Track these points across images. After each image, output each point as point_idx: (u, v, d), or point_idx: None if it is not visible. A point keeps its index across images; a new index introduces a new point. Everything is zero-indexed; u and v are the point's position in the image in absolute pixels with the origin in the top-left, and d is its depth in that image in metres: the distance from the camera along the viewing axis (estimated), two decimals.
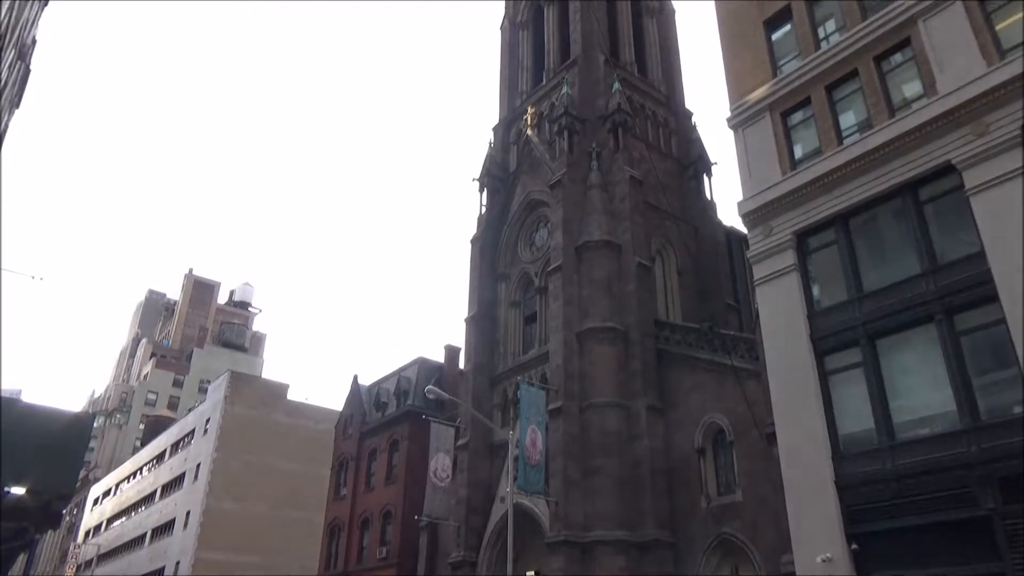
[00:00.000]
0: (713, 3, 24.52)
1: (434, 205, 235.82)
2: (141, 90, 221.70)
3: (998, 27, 16.36)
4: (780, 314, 18.66)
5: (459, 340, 36.34)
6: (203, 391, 79.06)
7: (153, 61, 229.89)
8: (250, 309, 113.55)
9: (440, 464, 31.35)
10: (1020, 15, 16.09)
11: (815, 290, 18.53)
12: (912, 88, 17.75)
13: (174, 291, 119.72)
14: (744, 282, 31.08)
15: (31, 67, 24.80)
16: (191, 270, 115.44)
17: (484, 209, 36.06)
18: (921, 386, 16.01)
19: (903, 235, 17.03)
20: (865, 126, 18.22)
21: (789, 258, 18.71)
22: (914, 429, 15.57)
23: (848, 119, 19.09)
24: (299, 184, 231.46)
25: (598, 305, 28.21)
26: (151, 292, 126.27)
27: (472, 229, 35.93)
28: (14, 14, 15.51)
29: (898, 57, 18.31)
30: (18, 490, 8.26)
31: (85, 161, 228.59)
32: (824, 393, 17.11)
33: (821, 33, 20.51)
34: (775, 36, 21.72)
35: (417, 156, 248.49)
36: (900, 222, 17.16)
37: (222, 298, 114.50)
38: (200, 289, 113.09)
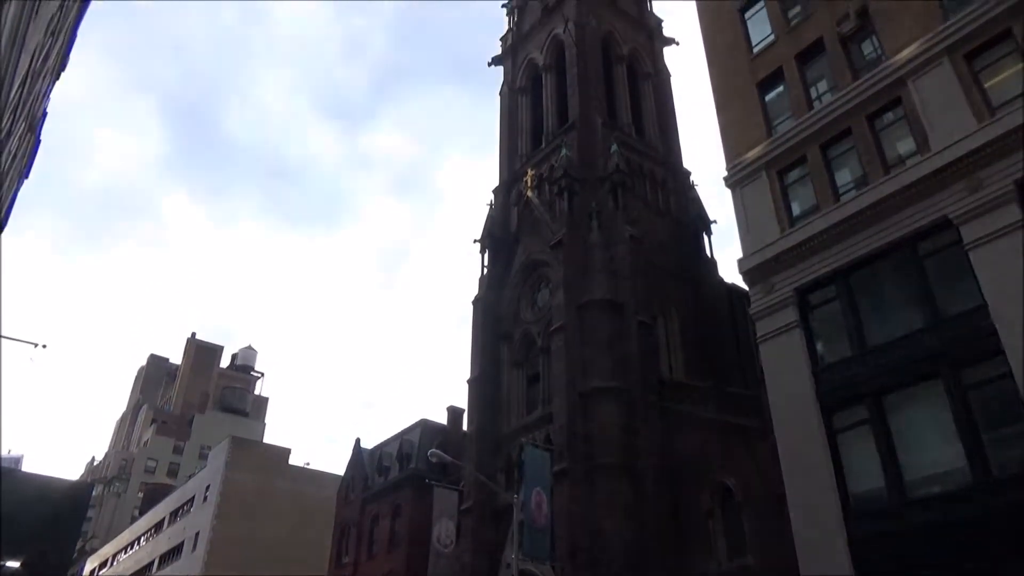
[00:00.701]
0: (707, 66, 25.15)
1: (436, 266, 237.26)
2: (143, 151, 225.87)
3: (987, 85, 16.74)
4: (785, 371, 18.57)
5: (462, 401, 36.01)
6: (203, 457, 78.09)
7: (155, 122, 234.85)
8: (252, 373, 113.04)
9: (444, 529, 30.70)
10: (1008, 72, 16.47)
11: (819, 346, 18.48)
12: (906, 145, 18.04)
13: (177, 356, 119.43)
14: (748, 339, 30.97)
15: (41, 138, 25.33)
16: (194, 334, 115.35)
17: (486, 270, 36.24)
18: (931, 442, 15.79)
19: (905, 289, 17.07)
20: (861, 183, 18.45)
21: (791, 315, 18.71)
22: (926, 487, 15.30)
23: (844, 176, 19.35)
24: (301, 246, 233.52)
25: (601, 364, 28.06)
26: (153, 357, 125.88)
27: (474, 290, 36.07)
28: (26, 88, 15.94)
29: (890, 115, 18.68)
30: (12, 563, 8.08)
31: (88, 226, 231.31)
32: (833, 451, 16.87)
33: (813, 93, 20.97)
34: (768, 97, 22.20)
35: (420, 217, 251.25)
36: (901, 276, 17.22)
37: (225, 362, 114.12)
38: (203, 353, 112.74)
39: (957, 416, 14.91)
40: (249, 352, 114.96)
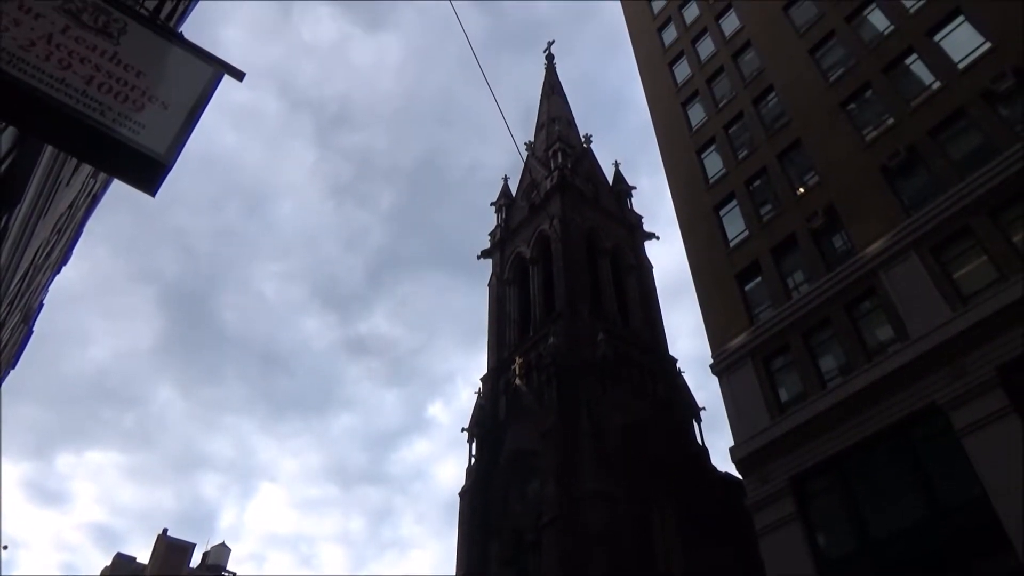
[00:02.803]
0: (687, 259, 26.30)
1: (424, 456, 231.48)
2: (137, 342, 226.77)
3: (955, 276, 17.42)
4: (788, 567, 17.64)
5: None
6: None
7: (152, 312, 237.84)
8: (223, 574, 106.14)
9: None
10: (973, 265, 17.22)
11: (820, 539, 17.72)
12: (885, 333, 18.46)
13: (146, 554, 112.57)
14: (746, 530, 29.75)
15: (34, 329, 25.56)
16: (165, 531, 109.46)
17: (474, 460, 35.40)
18: None
19: (902, 477, 16.70)
20: (846, 370, 18.65)
21: (788, 506, 18.11)
22: None
23: (828, 363, 19.60)
24: (287, 434, 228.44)
25: (594, 561, 26.62)
26: (119, 556, 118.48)
27: (462, 480, 35.00)
28: (26, 282, 16.34)
29: (867, 305, 19.27)
30: None
31: (71, 418, 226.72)
32: None
33: (791, 283, 21.77)
34: (747, 287, 23.00)
35: (409, 405, 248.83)
36: (897, 463, 16.88)
37: (196, 559, 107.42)
38: (173, 552, 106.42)
39: None
40: (222, 550, 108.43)
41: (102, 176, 19.41)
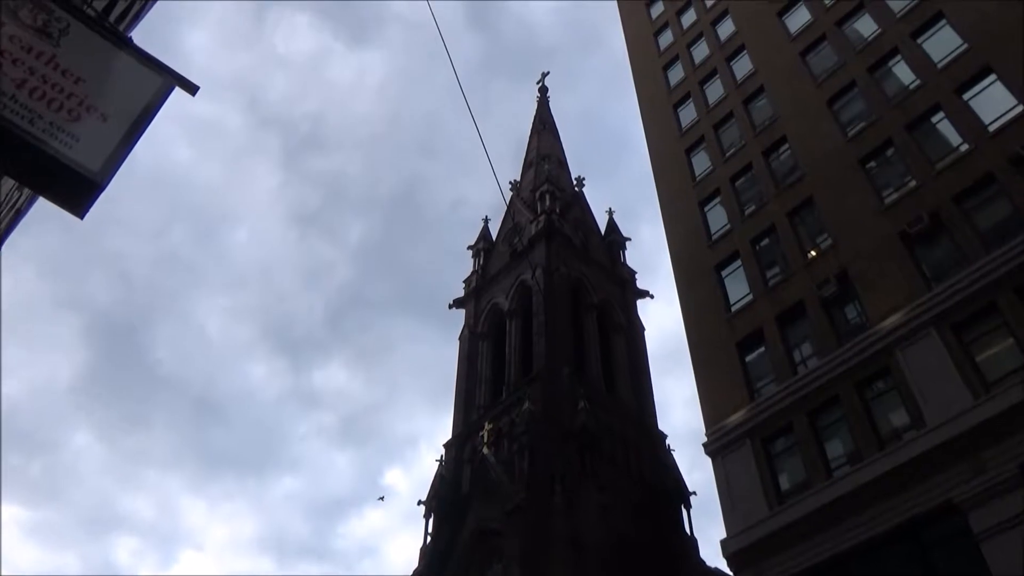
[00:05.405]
0: (683, 323, 26.40)
1: (375, 529, 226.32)
2: (57, 376, 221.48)
3: (978, 358, 17.53)
4: None
5: None
6: None
7: (77, 343, 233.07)
8: None
9: None
10: (999, 347, 17.37)
11: None
12: (899, 418, 18.48)
13: None
14: None
15: None
16: None
17: (430, 539, 34.71)
18: None
19: None
20: (855, 458, 18.60)
21: None
22: None
23: (836, 448, 19.55)
24: (218, 494, 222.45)
25: None
26: None
27: (414, 562, 34.27)
28: None
29: (880, 385, 19.32)
30: None
31: None
32: None
33: (797, 356, 21.81)
34: (749, 358, 23.02)
35: (363, 470, 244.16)
36: (908, 568, 16.75)
37: None
38: None
39: None
40: None
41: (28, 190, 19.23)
